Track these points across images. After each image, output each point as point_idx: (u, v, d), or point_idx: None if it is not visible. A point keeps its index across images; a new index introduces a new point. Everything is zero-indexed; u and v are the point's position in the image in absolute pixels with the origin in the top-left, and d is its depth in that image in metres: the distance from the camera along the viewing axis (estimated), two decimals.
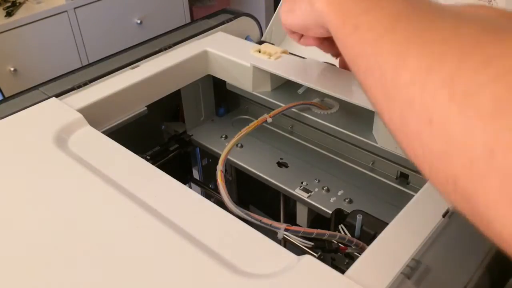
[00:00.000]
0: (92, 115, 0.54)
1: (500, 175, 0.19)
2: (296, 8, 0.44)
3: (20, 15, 1.61)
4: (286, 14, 0.46)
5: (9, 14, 1.59)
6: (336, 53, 0.52)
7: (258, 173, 0.63)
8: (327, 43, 0.49)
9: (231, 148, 0.52)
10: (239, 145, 0.67)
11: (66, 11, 1.70)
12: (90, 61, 0.70)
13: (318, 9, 0.35)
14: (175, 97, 0.67)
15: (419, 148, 0.24)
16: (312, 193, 0.59)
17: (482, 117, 0.20)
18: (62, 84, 0.59)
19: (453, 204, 0.24)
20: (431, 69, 0.23)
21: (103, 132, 0.53)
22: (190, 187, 0.74)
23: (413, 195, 0.42)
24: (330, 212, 0.56)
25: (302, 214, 0.61)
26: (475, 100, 0.20)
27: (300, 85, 0.61)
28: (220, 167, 0.49)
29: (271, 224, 0.43)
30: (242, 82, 0.65)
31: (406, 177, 0.59)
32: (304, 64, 0.62)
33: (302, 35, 0.50)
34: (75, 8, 1.72)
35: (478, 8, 0.30)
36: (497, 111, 0.20)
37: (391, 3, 0.28)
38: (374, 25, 0.27)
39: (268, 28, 0.84)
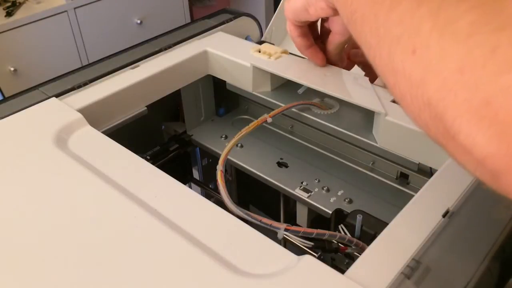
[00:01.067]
0: (92, 115, 0.54)
1: (466, 89, 0.21)
2: None
3: (20, 15, 1.61)
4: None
5: (9, 14, 1.59)
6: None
7: (258, 173, 0.63)
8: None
9: (231, 148, 0.52)
10: (239, 145, 0.67)
11: (66, 11, 1.70)
12: (90, 61, 0.70)
13: None
14: (175, 97, 0.67)
15: (402, 81, 0.26)
16: (312, 193, 0.59)
17: (457, 39, 0.22)
18: (62, 84, 0.59)
19: (429, 133, 0.26)
20: (420, 4, 0.24)
21: (103, 132, 0.53)
22: (190, 187, 0.74)
23: (413, 195, 0.42)
24: (330, 212, 0.56)
25: (302, 214, 0.61)
26: (454, 26, 0.22)
27: (300, 85, 0.61)
28: (220, 167, 0.49)
29: (271, 224, 0.43)
30: (242, 82, 0.65)
31: (406, 177, 0.59)
32: (304, 64, 0.62)
33: (309, 45, 0.51)
34: (75, 8, 1.72)
35: None
36: (471, 33, 0.21)
37: None
38: None
39: (268, 28, 0.84)
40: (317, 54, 0.56)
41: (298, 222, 0.63)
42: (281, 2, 0.85)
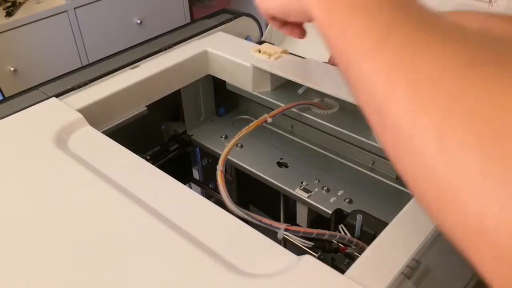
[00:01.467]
0: (92, 115, 0.54)
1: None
2: None
3: (20, 15, 1.61)
4: None
5: (9, 14, 1.59)
6: None
7: (258, 173, 0.63)
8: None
9: (231, 148, 0.52)
10: (239, 145, 0.67)
11: (66, 11, 1.70)
12: (90, 61, 0.70)
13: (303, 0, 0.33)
14: (175, 97, 0.68)
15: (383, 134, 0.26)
16: (312, 193, 0.59)
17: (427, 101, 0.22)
18: (62, 84, 0.59)
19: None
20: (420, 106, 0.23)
21: (103, 132, 0.53)
22: (190, 187, 0.74)
23: (413, 195, 0.42)
24: (330, 212, 0.55)
25: (302, 214, 0.61)
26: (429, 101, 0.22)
27: (300, 85, 0.61)
28: (220, 167, 0.49)
29: (271, 224, 0.43)
30: (242, 82, 0.65)
31: None
32: (304, 64, 0.62)
33: (284, 23, 0.47)
34: (75, 8, 1.72)
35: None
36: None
37: (384, 7, 0.27)
38: (362, 33, 0.26)
39: (268, 28, 0.84)
40: (294, 30, 0.50)
41: (298, 222, 0.63)
42: None
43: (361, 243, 0.44)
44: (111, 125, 0.58)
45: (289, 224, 0.42)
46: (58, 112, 0.53)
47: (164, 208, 0.41)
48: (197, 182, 0.75)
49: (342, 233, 0.47)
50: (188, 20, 2.09)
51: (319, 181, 0.60)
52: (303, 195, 0.59)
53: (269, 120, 0.55)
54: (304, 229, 0.42)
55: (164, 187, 0.44)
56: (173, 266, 0.36)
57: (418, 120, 0.22)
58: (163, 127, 0.74)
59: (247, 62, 0.62)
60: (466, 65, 0.22)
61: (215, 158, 0.71)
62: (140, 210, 0.40)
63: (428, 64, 0.23)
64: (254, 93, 0.65)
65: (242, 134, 0.53)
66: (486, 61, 0.22)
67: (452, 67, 0.22)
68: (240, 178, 0.73)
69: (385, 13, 0.26)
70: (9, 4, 1.65)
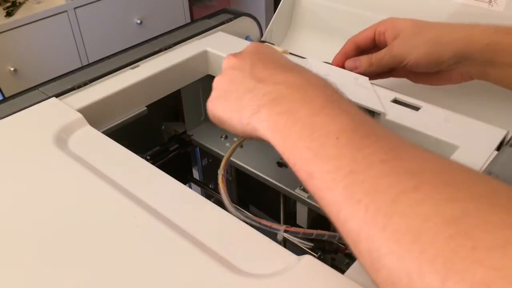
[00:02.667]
0: (92, 115, 0.54)
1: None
2: (233, 110, 0.38)
3: (20, 15, 1.61)
4: (217, 103, 0.41)
5: (9, 14, 1.60)
6: None
7: (258, 173, 0.63)
8: None
9: (233, 151, 0.52)
10: None
11: (66, 11, 1.70)
12: (90, 61, 0.70)
13: (262, 136, 0.37)
14: (175, 97, 0.67)
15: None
16: None
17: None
18: (62, 84, 0.59)
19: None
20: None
21: (103, 132, 0.53)
22: (190, 187, 0.74)
23: None
24: None
25: (302, 214, 0.61)
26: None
27: None
28: (221, 171, 0.49)
29: (270, 226, 0.42)
30: None
31: None
32: (304, 64, 0.62)
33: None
34: (75, 8, 1.72)
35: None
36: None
37: (341, 150, 0.29)
38: (325, 177, 0.28)
39: (268, 28, 0.84)
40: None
41: (298, 222, 0.63)
42: (281, 2, 0.85)
43: None
44: (111, 125, 0.58)
45: (288, 226, 0.42)
46: (58, 112, 0.53)
47: (164, 208, 0.41)
48: (197, 182, 0.75)
49: None
50: (188, 20, 2.09)
51: None
52: (303, 195, 0.58)
53: None
54: (303, 230, 0.42)
55: (164, 187, 0.44)
56: (173, 266, 0.36)
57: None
58: (163, 127, 0.74)
59: None
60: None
61: (215, 158, 0.71)
62: (140, 210, 0.40)
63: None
64: None
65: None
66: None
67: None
68: (240, 178, 0.73)
69: (347, 156, 0.29)
70: (9, 4, 1.65)
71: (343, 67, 0.59)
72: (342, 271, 0.34)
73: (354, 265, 0.35)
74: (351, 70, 0.58)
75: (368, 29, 0.57)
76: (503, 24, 0.51)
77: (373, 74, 0.57)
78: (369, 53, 0.57)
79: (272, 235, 0.40)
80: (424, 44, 0.52)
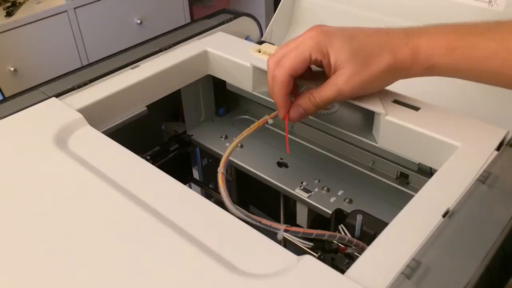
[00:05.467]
0: (92, 115, 0.54)
1: None
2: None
3: (20, 15, 1.61)
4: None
5: (9, 14, 1.59)
6: None
7: (258, 173, 0.63)
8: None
9: (232, 150, 0.52)
10: (239, 145, 0.67)
11: (66, 11, 1.70)
12: (90, 61, 0.70)
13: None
14: (175, 97, 0.67)
15: None
16: (312, 193, 0.59)
17: None
18: (62, 84, 0.59)
19: None
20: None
21: (103, 132, 0.53)
22: (190, 187, 0.74)
23: (413, 195, 0.42)
24: (330, 212, 0.56)
25: (302, 214, 0.61)
26: None
27: (299, 85, 0.61)
28: (221, 169, 0.49)
29: (270, 225, 0.42)
30: (242, 82, 0.65)
31: (406, 177, 0.59)
32: None
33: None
34: (75, 8, 1.72)
35: None
36: None
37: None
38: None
39: (268, 28, 0.84)
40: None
41: (298, 222, 0.63)
42: (281, 2, 0.85)
43: (361, 243, 0.44)
44: (111, 125, 0.58)
45: (288, 225, 0.42)
46: (58, 112, 0.53)
47: (164, 208, 0.41)
48: (197, 182, 0.75)
49: (342, 233, 0.47)
50: (188, 20, 2.09)
51: (319, 181, 0.60)
52: (303, 195, 0.59)
53: (270, 121, 0.55)
54: (303, 229, 0.42)
55: (164, 187, 0.44)
56: (173, 266, 0.36)
57: None
58: (163, 127, 0.74)
59: (247, 62, 0.62)
60: None
61: (215, 158, 0.71)
62: (140, 210, 0.40)
63: None
64: (254, 93, 0.65)
65: (243, 136, 0.53)
66: None
67: None
68: (240, 178, 0.73)
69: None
70: (9, 4, 1.65)
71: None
72: (342, 271, 0.35)
73: (354, 265, 0.35)
74: (296, 121, 0.54)
75: (299, 58, 0.49)
76: None
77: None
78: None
79: (272, 235, 0.40)
80: (373, 78, 0.49)
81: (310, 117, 0.60)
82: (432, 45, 0.47)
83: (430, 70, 0.48)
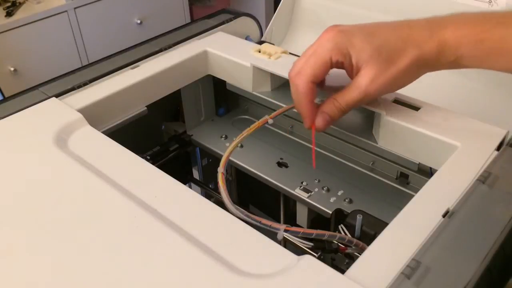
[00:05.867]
0: (92, 115, 0.54)
1: None
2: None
3: (20, 15, 1.61)
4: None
5: (9, 14, 1.59)
6: None
7: (258, 173, 0.63)
8: None
9: (232, 150, 0.52)
10: (239, 145, 0.67)
11: (66, 11, 1.70)
12: (90, 61, 0.70)
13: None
14: (175, 97, 0.67)
15: None
16: (312, 193, 0.59)
17: None
18: (62, 84, 0.59)
19: None
20: None
21: (103, 132, 0.53)
22: (190, 187, 0.74)
23: (413, 195, 0.42)
24: (330, 212, 0.56)
25: (302, 214, 0.61)
26: None
27: None
28: (221, 169, 0.49)
29: (270, 225, 0.42)
30: (242, 82, 0.65)
31: (406, 177, 0.59)
32: None
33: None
34: (75, 8, 1.72)
35: None
36: None
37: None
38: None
39: (268, 28, 0.84)
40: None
41: (298, 222, 0.63)
42: (281, 2, 0.85)
43: (361, 243, 0.44)
44: (111, 125, 0.58)
45: (288, 225, 0.42)
46: (58, 112, 0.53)
47: (164, 208, 0.41)
48: (197, 182, 0.75)
49: (342, 233, 0.47)
50: (188, 20, 2.09)
51: (319, 181, 0.60)
52: (303, 195, 0.59)
53: (270, 121, 0.55)
54: (303, 229, 0.42)
55: (164, 187, 0.44)
56: (173, 266, 0.36)
57: None
58: (163, 127, 0.74)
59: (247, 62, 0.62)
60: None
61: (215, 158, 0.71)
62: (140, 210, 0.40)
63: None
64: (254, 93, 0.65)
65: (243, 136, 0.53)
66: None
67: None
68: (240, 178, 0.73)
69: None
70: (9, 4, 1.65)
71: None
72: (342, 271, 0.35)
73: (354, 265, 0.35)
74: (323, 130, 0.51)
75: (319, 63, 0.47)
76: None
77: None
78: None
79: (272, 235, 0.40)
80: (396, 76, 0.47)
81: None
82: (459, 37, 0.45)
83: (457, 62, 0.46)
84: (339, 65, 0.47)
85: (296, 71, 0.48)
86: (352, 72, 0.47)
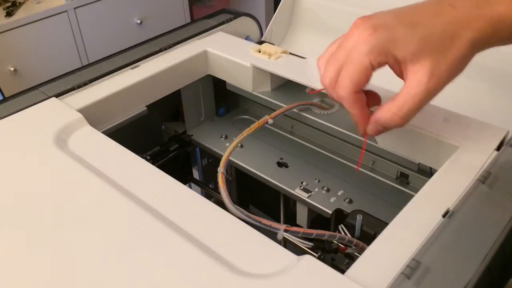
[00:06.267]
0: (92, 115, 0.54)
1: None
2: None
3: (20, 15, 1.61)
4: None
5: (9, 14, 1.59)
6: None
7: (258, 173, 0.63)
8: None
9: (232, 150, 0.52)
10: (239, 145, 0.67)
11: (66, 11, 1.70)
12: (90, 61, 0.70)
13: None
14: (175, 97, 0.68)
15: None
16: (312, 193, 0.59)
17: None
18: (62, 84, 0.59)
19: None
20: None
21: (103, 132, 0.53)
22: (190, 187, 0.74)
23: (413, 195, 0.42)
24: (330, 212, 0.55)
25: (302, 214, 0.61)
26: None
27: (299, 85, 0.61)
28: (221, 169, 0.49)
29: (270, 225, 0.42)
30: (242, 82, 0.65)
31: (406, 177, 0.59)
32: (304, 64, 0.62)
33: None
34: (75, 8, 1.72)
35: None
36: None
37: None
38: None
39: (268, 28, 0.84)
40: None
41: (298, 222, 0.63)
42: (281, 2, 0.85)
43: (361, 243, 0.44)
44: (111, 125, 0.58)
45: (288, 225, 0.42)
46: (58, 112, 0.53)
47: (164, 208, 0.41)
48: (197, 182, 0.75)
49: (342, 233, 0.47)
50: (188, 20, 2.09)
51: (319, 181, 0.60)
52: (303, 195, 0.59)
53: (270, 121, 0.55)
54: (303, 229, 0.42)
55: (164, 187, 0.44)
56: (173, 266, 0.36)
57: None
58: (163, 127, 0.74)
59: (247, 62, 0.62)
60: None
61: (215, 158, 0.71)
62: (140, 210, 0.40)
63: None
64: (254, 93, 0.65)
65: (243, 136, 0.53)
66: None
67: None
68: (240, 178, 0.73)
69: None
70: (9, 4, 1.65)
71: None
72: (342, 271, 0.35)
73: (354, 265, 0.35)
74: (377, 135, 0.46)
75: (358, 71, 0.40)
76: None
77: None
78: None
79: (272, 235, 0.40)
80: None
81: (310, 117, 0.60)
82: None
83: None
84: (382, 65, 0.41)
85: (330, 80, 0.42)
86: (400, 69, 0.41)
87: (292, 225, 0.42)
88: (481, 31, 0.41)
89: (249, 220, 0.44)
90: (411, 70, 0.40)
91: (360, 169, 0.62)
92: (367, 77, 0.41)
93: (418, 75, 0.40)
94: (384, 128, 0.43)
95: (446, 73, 0.41)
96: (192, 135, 0.71)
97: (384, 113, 0.42)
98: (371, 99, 0.44)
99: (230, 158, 0.64)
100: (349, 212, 0.50)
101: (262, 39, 0.81)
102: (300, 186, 0.60)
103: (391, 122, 0.42)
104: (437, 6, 0.41)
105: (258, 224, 0.43)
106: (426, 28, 0.40)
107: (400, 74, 0.42)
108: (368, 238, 0.46)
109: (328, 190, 0.59)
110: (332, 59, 0.42)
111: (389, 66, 0.41)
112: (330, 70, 0.42)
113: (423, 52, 0.40)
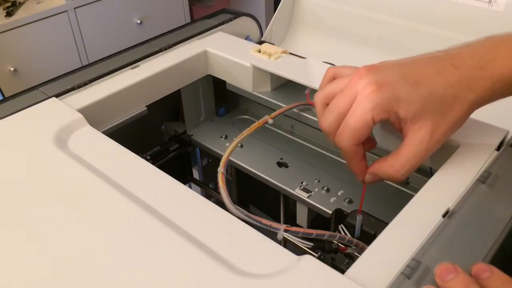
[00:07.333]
0: (92, 115, 0.54)
1: None
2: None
3: (20, 15, 1.61)
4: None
5: (9, 14, 1.59)
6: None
7: (258, 173, 0.63)
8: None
9: (232, 150, 0.52)
10: (239, 145, 0.67)
11: (66, 11, 1.70)
12: (90, 61, 0.70)
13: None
14: (175, 97, 0.68)
15: None
16: (312, 193, 0.59)
17: None
18: (62, 84, 0.59)
19: None
20: None
21: (103, 132, 0.53)
22: (190, 187, 0.74)
23: (413, 195, 0.42)
24: (330, 212, 0.56)
25: (302, 214, 0.61)
26: None
27: (299, 85, 0.61)
28: (221, 169, 0.49)
29: (270, 225, 0.42)
30: (242, 82, 0.65)
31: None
32: (304, 64, 0.62)
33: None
34: (75, 8, 1.72)
35: None
36: None
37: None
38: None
39: (268, 28, 0.84)
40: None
41: (298, 222, 0.63)
42: (281, 2, 0.85)
43: (361, 243, 0.44)
44: (111, 125, 0.58)
45: (288, 225, 0.42)
46: (58, 112, 0.53)
47: (164, 208, 0.41)
48: (197, 182, 0.75)
49: (342, 233, 0.47)
50: (188, 20, 2.09)
51: (319, 181, 0.60)
52: (303, 195, 0.59)
53: (270, 121, 0.55)
54: (303, 229, 0.42)
55: (164, 187, 0.44)
56: (173, 266, 0.36)
57: None
58: (163, 127, 0.74)
59: (247, 62, 0.62)
60: None
61: (215, 158, 0.71)
62: (140, 210, 0.40)
63: None
64: (254, 93, 0.65)
65: (243, 136, 0.53)
66: None
67: None
68: (240, 178, 0.73)
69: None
70: (9, 4, 1.65)
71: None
72: (342, 271, 0.35)
73: (354, 265, 0.35)
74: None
75: (359, 126, 0.41)
76: (503, 24, 0.50)
77: None
78: None
79: (272, 235, 0.40)
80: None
81: (309, 116, 0.60)
82: None
83: None
84: (383, 120, 0.42)
85: (330, 127, 0.43)
86: (399, 125, 0.43)
87: (292, 225, 0.42)
88: (483, 93, 0.42)
89: (249, 220, 0.44)
90: (412, 128, 0.42)
91: None
92: (368, 132, 0.42)
93: (419, 134, 0.41)
94: (381, 179, 0.45)
95: (446, 132, 0.42)
96: (192, 135, 0.71)
97: (386, 169, 0.43)
98: (367, 144, 0.45)
99: (230, 158, 0.64)
100: (349, 212, 0.50)
101: (262, 39, 0.81)
102: (300, 186, 0.60)
103: (392, 178, 0.43)
104: (440, 65, 0.42)
105: (258, 224, 0.43)
106: (429, 88, 0.41)
107: (400, 129, 0.43)
108: (368, 238, 0.46)
109: (328, 190, 0.59)
110: (333, 106, 0.43)
111: (390, 121, 0.42)
112: (331, 117, 0.43)
113: (424, 113, 0.41)
